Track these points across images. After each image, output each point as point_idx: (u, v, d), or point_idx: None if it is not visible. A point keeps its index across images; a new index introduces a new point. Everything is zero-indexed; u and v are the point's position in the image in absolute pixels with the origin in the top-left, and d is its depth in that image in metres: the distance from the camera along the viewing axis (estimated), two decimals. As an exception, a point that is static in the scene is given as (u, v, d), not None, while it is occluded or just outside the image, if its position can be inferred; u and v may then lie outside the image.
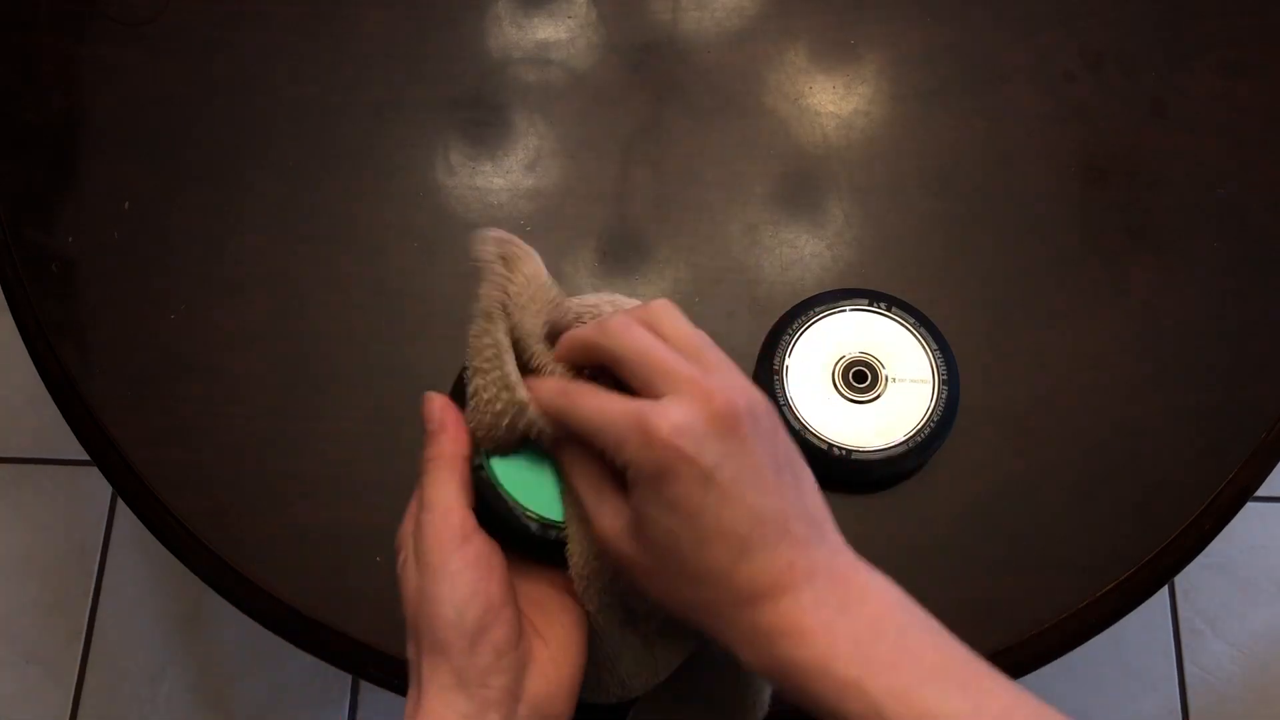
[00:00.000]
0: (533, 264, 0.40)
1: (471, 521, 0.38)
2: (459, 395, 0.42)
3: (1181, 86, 0.59)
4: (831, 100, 0.59)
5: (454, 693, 0.35)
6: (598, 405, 0.37)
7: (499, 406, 0.39)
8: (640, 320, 0.38)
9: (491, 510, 0.39)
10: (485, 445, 0.40)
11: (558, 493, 0.40)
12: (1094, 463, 0.52)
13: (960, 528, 0.51)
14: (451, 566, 0.36)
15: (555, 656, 0.38)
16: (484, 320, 0.40)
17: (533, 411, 0.38)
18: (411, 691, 0.37)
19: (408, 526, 0.39)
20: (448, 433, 0.39)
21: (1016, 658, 0.49)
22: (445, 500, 0.38)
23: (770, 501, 0.35)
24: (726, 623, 0.35)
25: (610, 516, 0.37)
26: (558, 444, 0.39)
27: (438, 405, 0.41)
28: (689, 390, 0.35)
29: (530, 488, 0.39)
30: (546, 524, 0.39)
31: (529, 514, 0.39)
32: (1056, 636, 0.50)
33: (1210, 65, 0.60)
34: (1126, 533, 0.51)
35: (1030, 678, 0.50)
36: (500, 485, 0.39)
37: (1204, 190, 0.57)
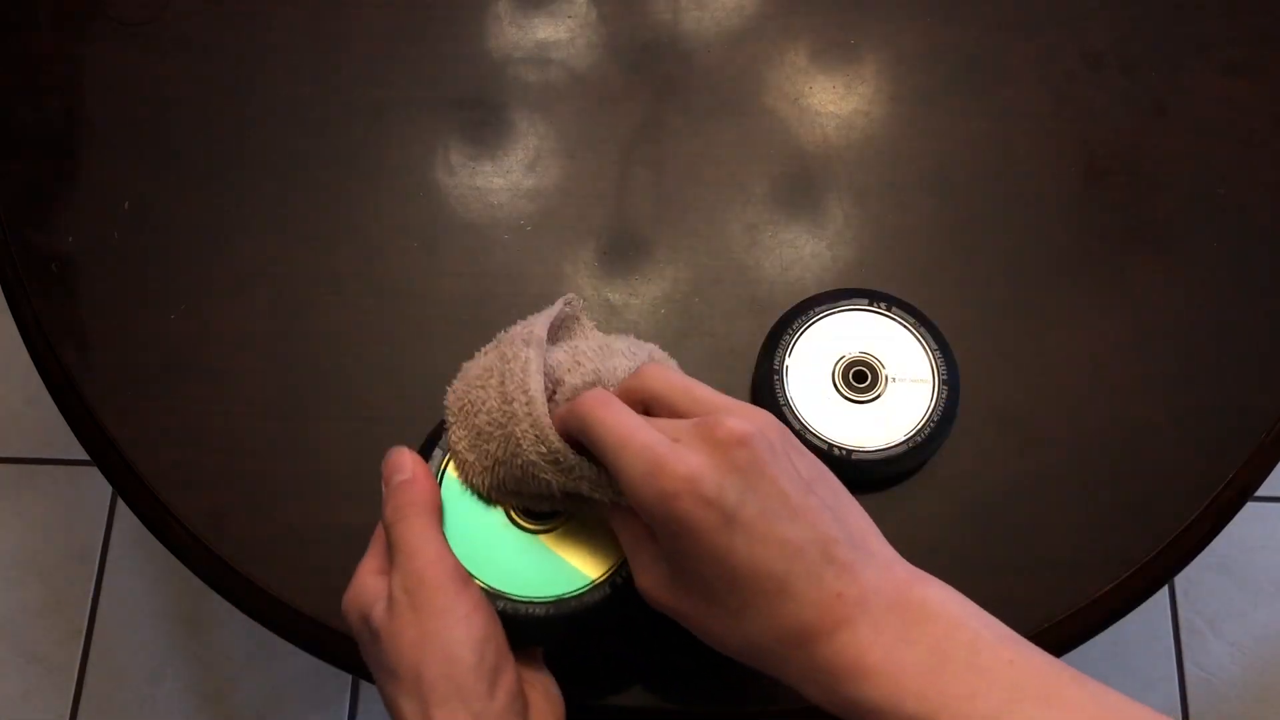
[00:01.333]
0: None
1: (463, 566, 0.37)
2: (425, 453, 0.42)
3: (1181, 86, 0.59)
4: (831, 100, 0.59)
5: None
6: (606, 457, 0.35)
7: (517, 435, 0.38)
8: (629, 390, 0.38)
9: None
10: (474, 484, 0.40)
11: (507, 565, 0.39)
12: (1094, 463, 0.52)
13: (960, 528, 0.51)
14: (461, 609, 0.35)
15: (543, 703, 0.38)
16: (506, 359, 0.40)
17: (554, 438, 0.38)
18: None
19: (370, 582, 0.38)
20: (419, 483, 0.39)
21: (1016, 658, 0.49)
22: (434, 545, 0.37)
23: (803, 529, 0.33)
24: (783, 663, 0.33)
25: (648, 570, 0.36)
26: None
27: (408, 458, 0.40)
28: (693, 437, 0.34)
29: (502, 572, 0.39)
30: (557, 601, 0.39)
31: (498, 594, 0.39)
32: (1056, 636, 0.50)
33: (1210, 65, 0.60)
34: (1126, 533, 0.51)
35: (1030, 678, 0.50)
36: (490, 584, 0.39)
37: (1204, 190, 0.57)
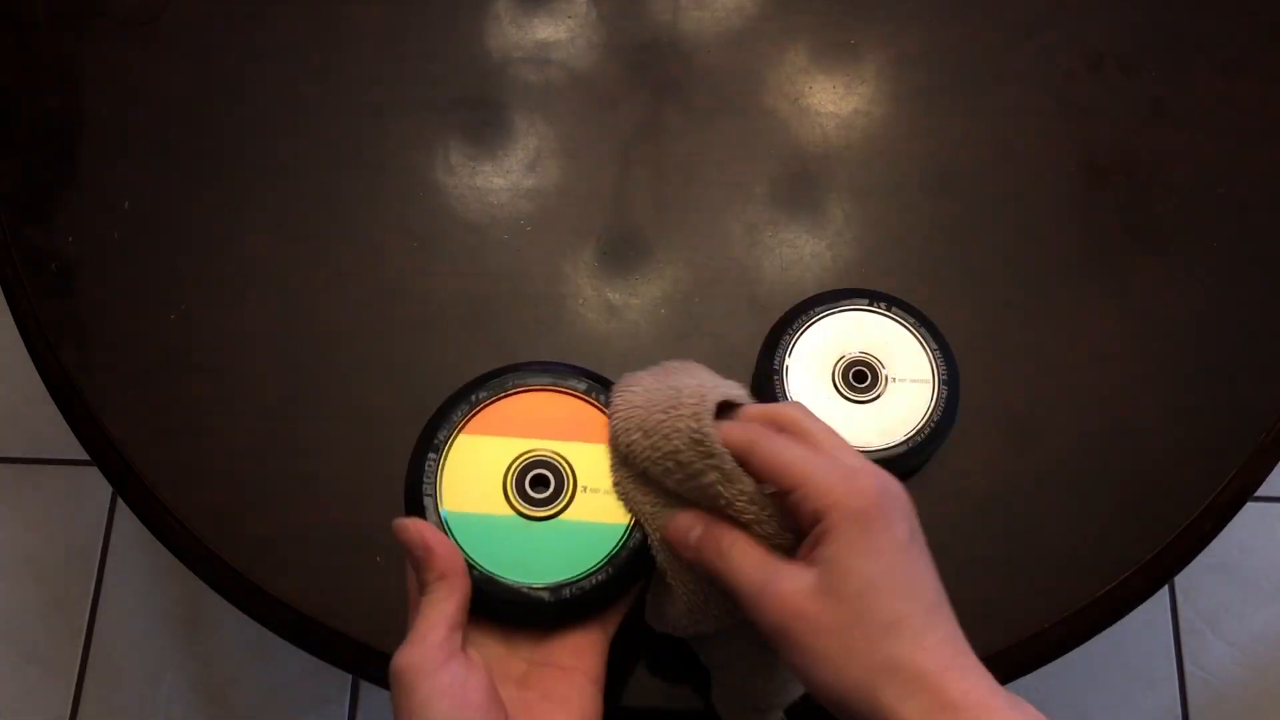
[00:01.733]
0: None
1: (450, 645, 0.37)
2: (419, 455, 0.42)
3: (1181, 86, 0.59)
4: (831, 100, 0.59)
5: None
6: (791, 449, 0.37)
7: (685, 431, 0.39)
8: (782, 428, 0.39)
9: (501, 601, 0.39)
10: (636, 467, 0.40)
11: (547, 555, 0.40)
12: (1094, 463, 0.52)
13: (960, 528, 0.51)
14: (421, 694, 0.36)
15: None
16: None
17: (716, 444, 0.38)
18: None
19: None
20: (434, 553, 0.38)
21: (1017, 658, 0.49)
22: (428, 622, 0.37)
23: (935, 581, 0.36)
24: (908, 686, 0.34)
25: (791, 579, 0.36)
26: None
27: (413, 530, 0.39)
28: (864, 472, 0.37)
29: (524, 565, 0.40)
30: (555, 587, 0.39)
31: (534, 588, 0.39)
32: (1056, 636, 0.50)
33: (1210, 65, 0.60)
34: (1126, 533, 0.51)
35: (1031, 678, 0.50)
36: (499, 576, 0.39)
37: (1204, 190, 0.57)
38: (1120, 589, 0.50)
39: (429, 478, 0.40)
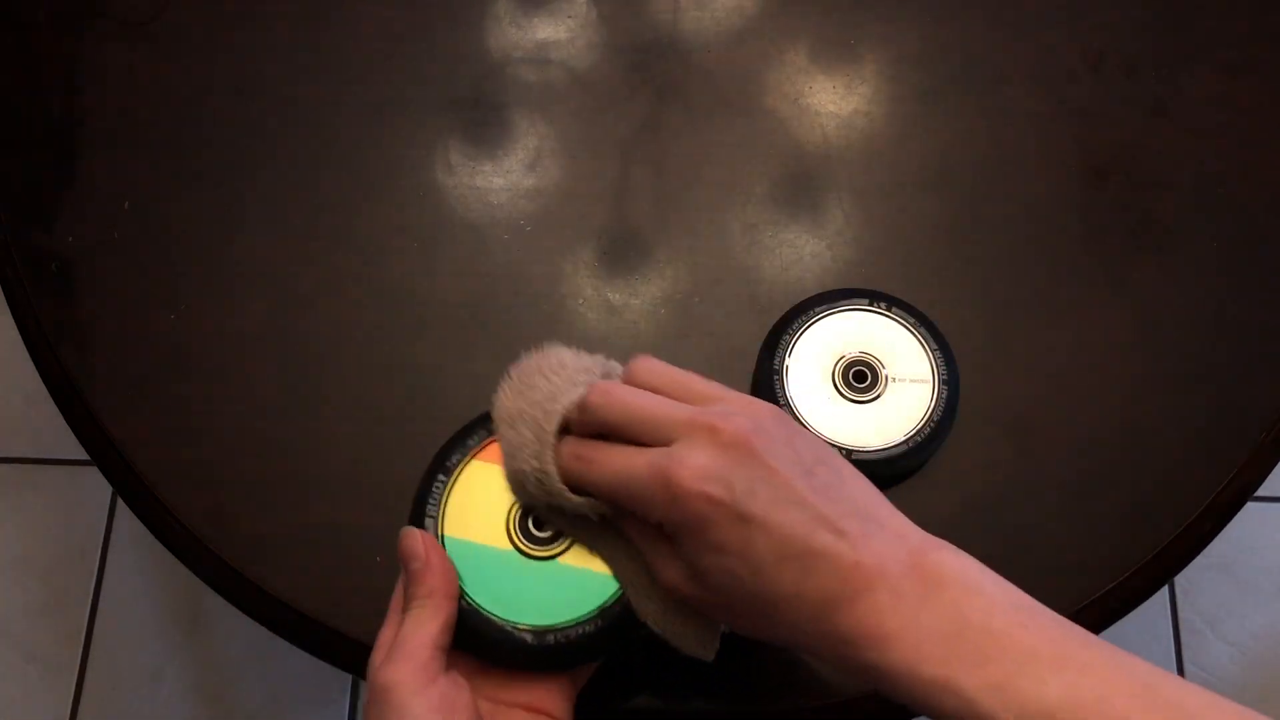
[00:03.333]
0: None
1: (438, 663, 0.37)
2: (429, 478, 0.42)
3: (1181, 86, 0.59)
4: (831, 100, 0.59)
5: None
6: (615, 467, 0.37)
7: (529, 473, 0.39)
8: (624, 380, 0.39)
9: (482, 636, 0.39)
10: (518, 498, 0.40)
11: (538, 597, 0.39)
12: (1094, 463, 0.52)
13: (960, 528, 0.51)
14: (412, 711, 0.35)
15: None
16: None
17: (556, 482, 0.38)
18: None
19: (377, 657, 0.38)
20: (432, 569, 0.38)
21: (1016, 658, 0.49)
22: (417, 638, 0.37)
23: (812, 510, 0.34)
24: (809, 637, 0.35)
25: (669, 568, 0.37)
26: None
27: (419, 542, 0.39)
28: (694, 431, 0.35)
29: (513, 603, 0.39)
30: (540, 630, 0.38)
31: (519, 628, 0.38)
32: (1056, 636, 0.50)
33: (1210, 65, 0.60)
34: (1126, 533, 0.51)
35: (1030, 678, 0.50)
36: (485, 610, 0.39)
37: (1204, 190, 0.57)
38: (1120, 589, 0.50)
39: (434, 499, 0.40)
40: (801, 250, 0.56)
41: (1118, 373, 0.54)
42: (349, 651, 0.50)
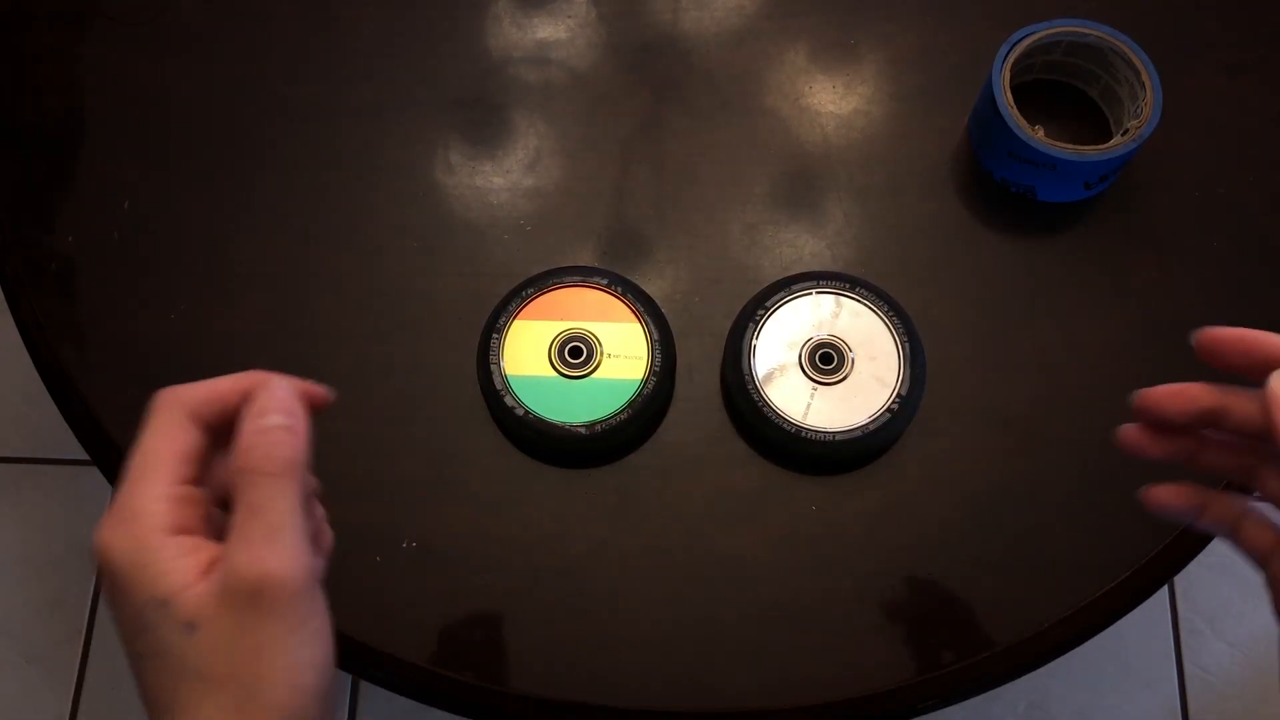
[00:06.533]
0: None
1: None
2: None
3: (1181, 86, 0.59)
4: (831, 100, 0.59)
5: None
6: None
7: None
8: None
9: (549, 435, 0.51)
10: None
11: (582, 403, 0.51)
12: (1094, 462, 0.52)
13: (959, 528, 0.51)
14: (314, 624, 0.30)
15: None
16: None
17: None
18: None
19: (180, 549, 0.31)
20: (299, 439, 0.31)
21: (1016, 658, 0.49)
22: (293, 524, 0.30)
23: None
24: None
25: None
26: None
27: (292, 400, 0.32)
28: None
29: (566, 410, 0.51)
30: (590, 424, 0.51)
31: (574, 426, 0.51)
32: (1056, 636, 0.50)
33: (1210, 65, 0.60)
34: (1126, 533, 0.51)
35: (1030, 678, 0.50)
36: (548, 418, 0.51)
37: (1204, 190, 0.57)
38: (1120, 589, 0.50)
39: (494, 351, 0.52)
40: (801, 250, 0.56)
41: (1118, 372, 0.54)
42: (349, 651, 0.50)
